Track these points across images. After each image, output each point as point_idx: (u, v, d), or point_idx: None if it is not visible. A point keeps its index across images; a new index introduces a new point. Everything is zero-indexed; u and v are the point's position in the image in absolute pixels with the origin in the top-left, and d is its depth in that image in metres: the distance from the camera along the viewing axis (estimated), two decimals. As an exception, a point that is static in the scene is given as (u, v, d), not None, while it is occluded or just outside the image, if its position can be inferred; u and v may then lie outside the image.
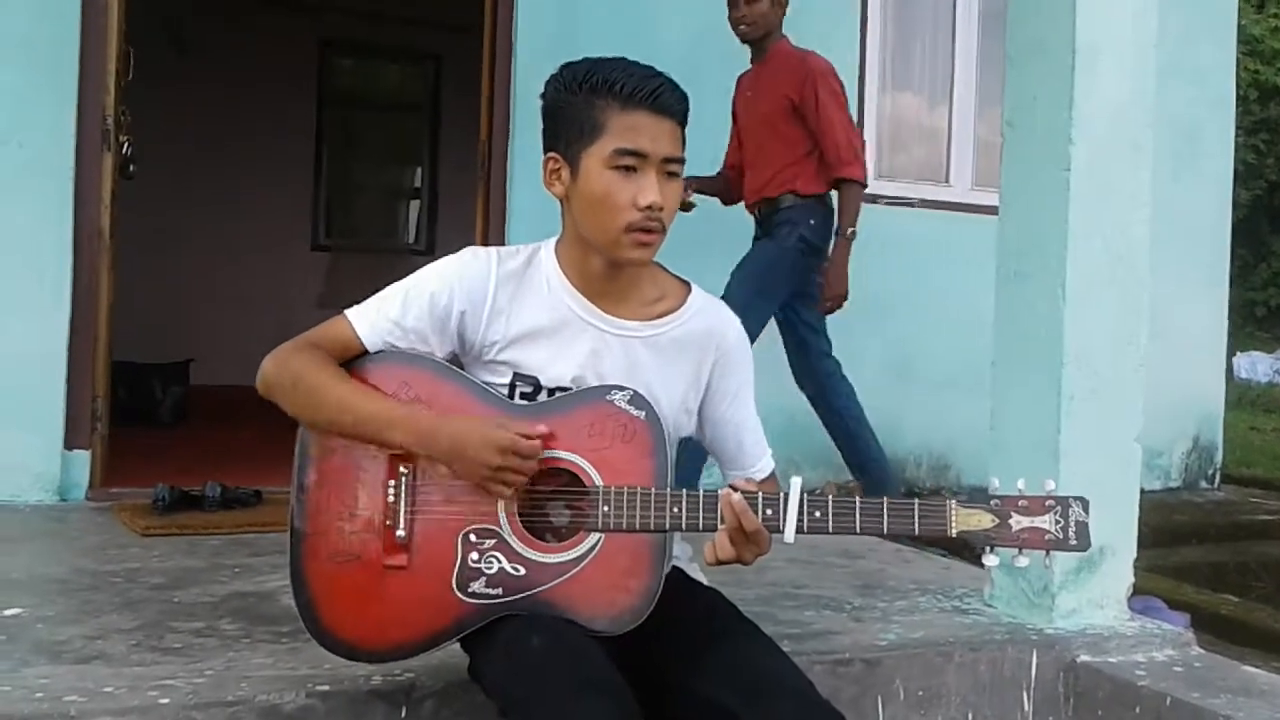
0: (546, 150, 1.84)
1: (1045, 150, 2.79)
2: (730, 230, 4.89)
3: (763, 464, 1.99)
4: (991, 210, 3.12)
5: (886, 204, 5.28)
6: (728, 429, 1.95)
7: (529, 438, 1.70)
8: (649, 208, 1.74)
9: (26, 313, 3.81)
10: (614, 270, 1.83)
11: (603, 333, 1.84)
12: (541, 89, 1.85)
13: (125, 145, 4.08)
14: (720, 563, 1.71)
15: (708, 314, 1.91)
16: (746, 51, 4.32)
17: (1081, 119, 2.73)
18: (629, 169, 1.74)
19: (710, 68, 4.75)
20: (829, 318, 4.20)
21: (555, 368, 1.82)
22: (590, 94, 1.76)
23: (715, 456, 2.00)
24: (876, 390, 5.19)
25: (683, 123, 1.80)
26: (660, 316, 1.88)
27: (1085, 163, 2.74)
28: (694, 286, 1.93)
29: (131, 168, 4.19)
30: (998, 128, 3.01)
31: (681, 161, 1.79)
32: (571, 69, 1.81)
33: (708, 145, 4.66)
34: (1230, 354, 7.48)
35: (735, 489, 1.70)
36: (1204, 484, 6.03)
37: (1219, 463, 6.15)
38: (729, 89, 4.84)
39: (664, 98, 1.75)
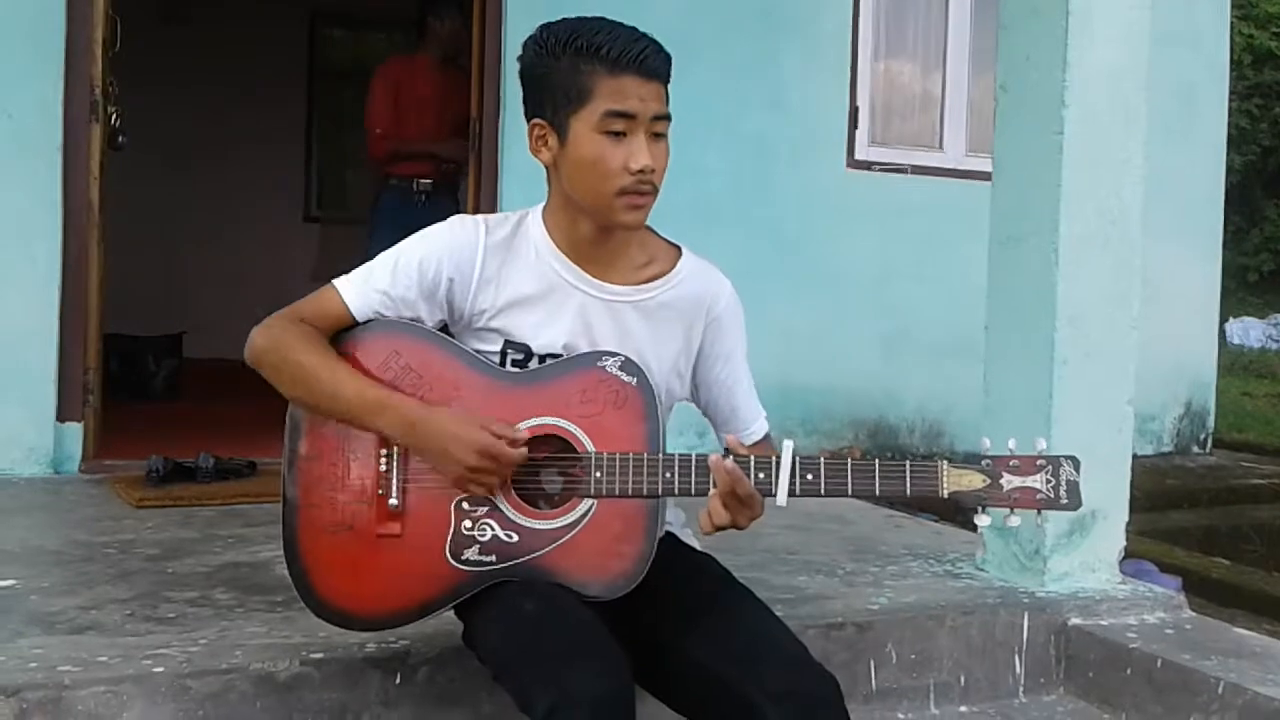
0: (530, 116, 1.81)
1: (1038, 114, 2.78)
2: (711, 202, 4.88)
3: (757, 426, 1.98)
4: (985, 176, 3.11)
5: (880, 171, 5.26)
6: (721, 392, 1.94)
7: (513, 442, 1.69)
8: (641, 171, 1.73)
9: (17, 286, 3.79)
10: (603, 235, 1.81)
11: (592, 298, 1.83)
12: (520, 51, 1.82)
13: (114, 116, 4.05)
14: (717, 529, 1.70)
15: (699, 278, 1.90)
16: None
17: (1075, 82, 2.72)
18: (619, 133, 1.72)
19: (704, 38, 4.72)
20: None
21: (546, 334, 1.81)
22: (575, 58, 1.73)
23: (710, 419, 1.99)
24: (872, 357, 5.21)
25: (668, 82, 1.77)
26: (649, 280, 1.86)
27: (1078, 126, 2.73)
28: (685, 250, 1.92)
29: (120, 139, 4.15)
30: (991, 93, 2.99)
31: (668, 119, 1.77)
32: (551, 31, 1.77)
33: (700, 114, 4.65)
34: (1223, 319, 7.49)
35: (729, 451, 1.70)
36: (1196, 449, 6.05)
37: (1211, 427, 6.17)
38: (723, 60, 4.82)
39: (650, 60, 1.73)
